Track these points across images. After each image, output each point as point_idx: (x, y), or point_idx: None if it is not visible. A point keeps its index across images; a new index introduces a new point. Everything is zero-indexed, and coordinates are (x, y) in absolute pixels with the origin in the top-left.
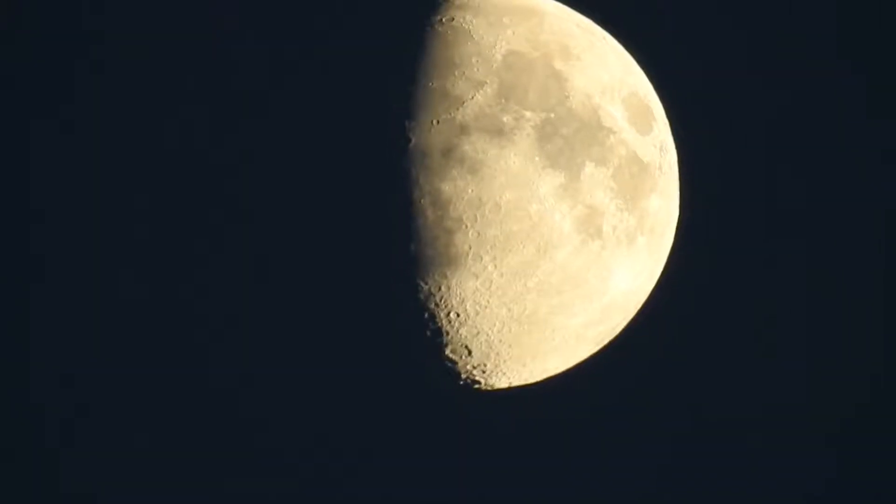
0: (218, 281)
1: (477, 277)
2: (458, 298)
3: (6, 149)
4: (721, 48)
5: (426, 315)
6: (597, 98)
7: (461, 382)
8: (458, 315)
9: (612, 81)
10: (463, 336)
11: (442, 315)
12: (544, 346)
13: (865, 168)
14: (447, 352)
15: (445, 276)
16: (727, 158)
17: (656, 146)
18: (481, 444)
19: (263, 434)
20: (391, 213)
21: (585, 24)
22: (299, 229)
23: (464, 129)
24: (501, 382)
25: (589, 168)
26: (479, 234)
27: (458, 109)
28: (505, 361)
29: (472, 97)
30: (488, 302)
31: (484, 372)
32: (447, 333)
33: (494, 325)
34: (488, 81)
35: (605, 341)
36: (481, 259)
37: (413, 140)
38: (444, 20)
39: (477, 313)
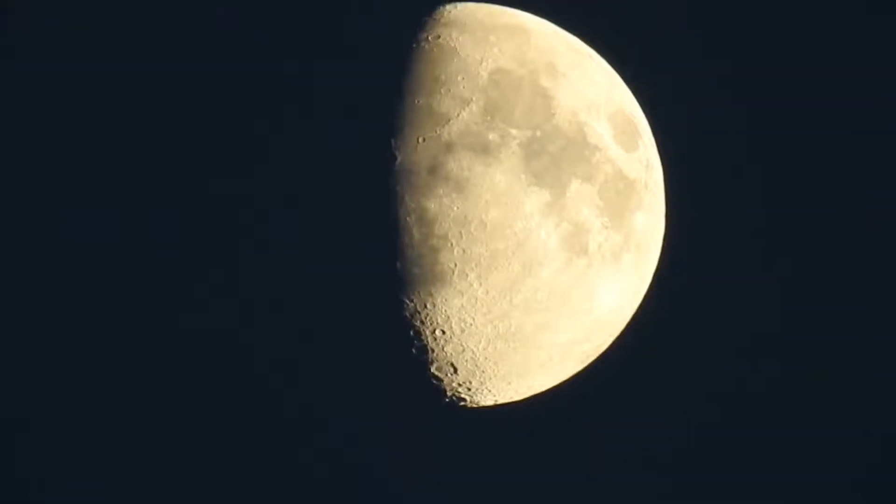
0: (204, 302)
1: (462, 295)
2: (443, 316)
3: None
4: (708, 65)
5: (412, 332)
6: (583, 115)
7: (447, 400)
8: (444, 332)
9: (598, 99)
10: (448, 353)
11: (427, 332)
12: (530, 364)
13: (853, 183)
14: (433, 369)
15: (431, 294)
16: (713, 175)
17: (642, 163)
18: (466, 461)
19: (245, 452)
20: (377, 230)
21: (572, 41)
22: (284, 247)
23: (450, 147)
24: (487, 400)
25: (575, 185)
26: (464, 251)
27: (444, 127)
28: (490, 379)
29: (458, 115)
30: (473, 319)
31: (469, 389)
32: (433, 351)
33: (480, 342)
34: (474, 99)
35: (591, 359)
36: (467, 276)
37: (399, 158)
38: (430, 38)
39: (462, 330)
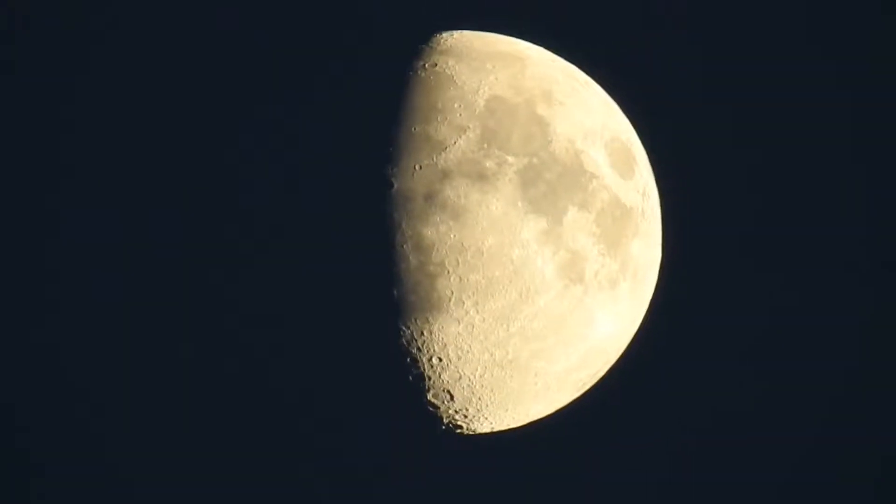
0: (196, 328)
1: (459, 322)
2: (440, 343)
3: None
4: (706, 93)
5: (408, 360)
6: (579, 143)
7: (443, 427)
8: (441, 360)
9: (594, 126)
10: (445, 381)
11: (424, 360)
12: (526, 391)
13: (851, 205)
14: (429, 396)
15: (428, 321)
16: (710, 203)
17: (639, 191)
18: (463, 488)
19: (241, 475)
20: (374, 257)
21: (568, 69)
22: (281, 273)
23: (446, 174)
24: (483, 427)
25: (571, 213)
26: (461, 279)
27: (440, 154)
28: (487, 406)
29: (455, 142)
30: (470, 347)
31: (466, 417)
32: (429, 378)
33: (476, 369)
34: (471, 126)
35: (587, 386)
36: (463, 304)
37: (395, 185)
38: (427, 66)
39: (459, 358)
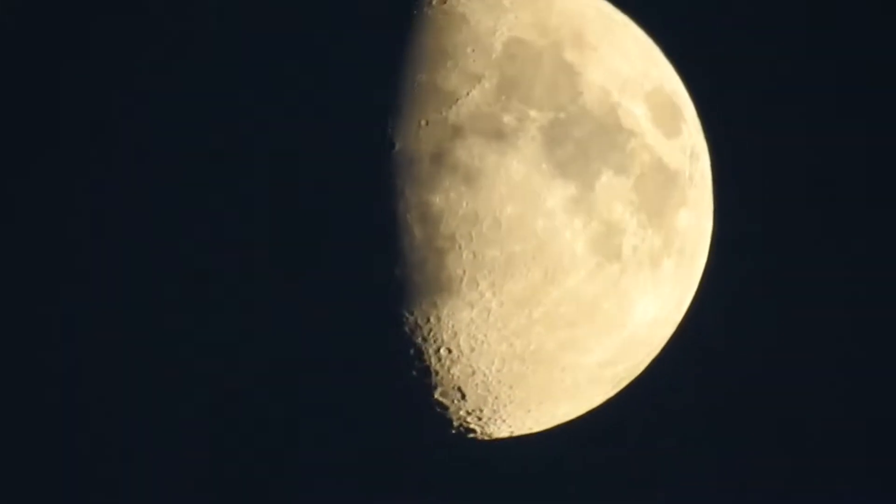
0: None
1: (472, 307)
2: (449, 332)
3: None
4: (764, 36)
5: (412, 351)
6: (615, 95)
7: (453, 431)
8: (450, 351)
9: (633, 75)
10: (455, 376)
11: (431, 351)
12: (552, 389)
13: None
14: (436, 395)
15: (435, 306)
16: (770, 165)
17: (686, 152)
18: (476, 502)
19: (237, 478)
20: (372, 230)
21: (603, 6)
22: (265, 248)
23: (457, 132)
24: (501, 431)
25: (606, 177)
26: (475, 255)
27: (450, 108)
28: (505, 406)
29: (468, 93)
30: (486, 336)
31: (480, 419)
32: (437, 373)
33: (493, 363)
34: (487, 75)
35: (625, 383)
36: (478, 285)
37: (398, 144)
38: (434, 2)
39: (472, 349)
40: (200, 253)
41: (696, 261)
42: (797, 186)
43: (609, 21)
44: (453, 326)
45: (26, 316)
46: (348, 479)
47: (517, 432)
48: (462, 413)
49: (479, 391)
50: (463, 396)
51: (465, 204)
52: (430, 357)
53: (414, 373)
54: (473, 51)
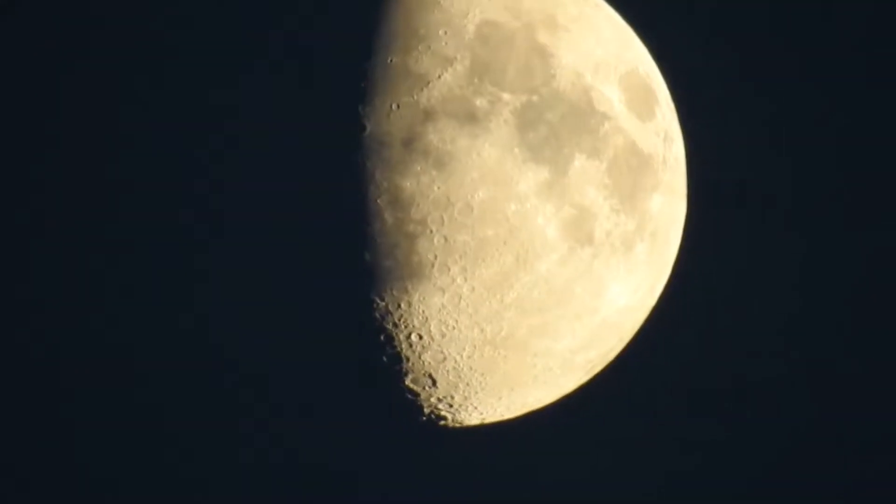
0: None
1: (444, 292)
2: (420, 317)
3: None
4: (738, 18)
5: (383, 337)
6: (589, 77)
7: (424, 418)
8: (421, 337)
9: (606, 57)
10: (426, 362)
11: (402, 337)
12: (524, 375)
13: None
14: (407, 381)
15: (406, 291)
16: (742, 149)
17: (659, 135)
18: (447, 490)
19: (201, 466)
20: (342, 215)
21: None
22: (235, 233)
23: (429, 115)
24: (472, 418)
25: (579, 161)
26: (446, 239)
27: (422, 91)
28: (476, 393)
29: (440, 76)
30: (457, 322)
31: (451, 406)
32: (407, 359)
33: (464, 349)
34: (459, 57)
35: (597, 369)
36: (449, 270)
37: (368, 127)
38: None
39: (443, 335)
40: (169, 240)
41: (669, 245)
42: (771, 169)
43: (582, 3)
44: (424, 312)
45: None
46: (318, 465)
47: (488, 419)
48: (433, 400)
49: (450, 378)
50: (434, 383)
51: (436, 188)
52: (400, 343)
53: (385, 358)
54: (446, 33)
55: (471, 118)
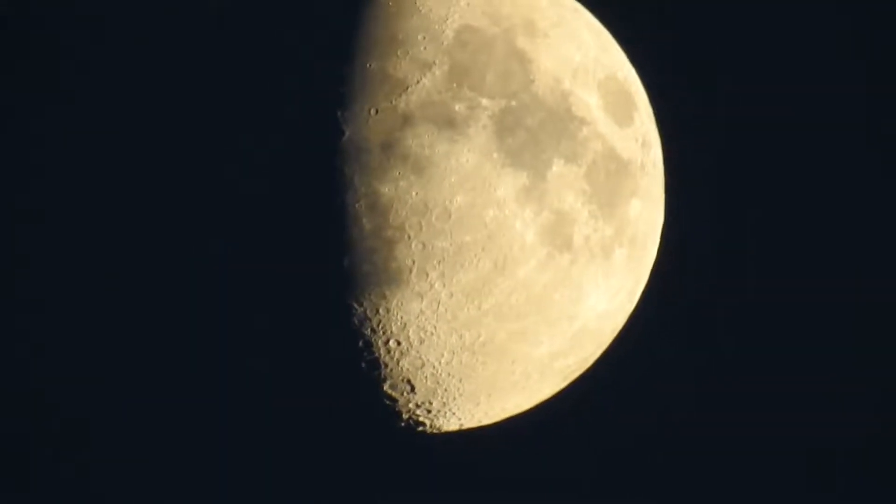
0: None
1: (422, 298)
2: (398, 323)
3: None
4: (717, 24)
5: (361, 343)
6: (567, 83)
7: (402, 424)
8: (399, 343)
9: (585, 62)
10: (404, 368)
11: (380, 343)
12: (502, 381)
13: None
14: (385, 387)
15: (384, 297)
16: (722, 155)
17: (638, 140)
18: (424, 496)
19: (181, 475)
20: (319, 219)
21: None
22: (212, 239)
23: (407, 120)
24: (450, 424)
25: (557, 167)
26: (424, 245)
27: (400, 96)
28: (454, 399)
29: (418, 81)
30: (435, 328)
31: (429, 412)
32: (385, 365)
33: (442, 355)
34: (437, 62)
35: (575, 375)
36: (427, 276)
37: (347, 132)
38: None
39: (421, 341)
40: (146, 245)
41: (647, 250)
42: (750, 175)
43: (560, 8)
44: (402, 318)
45: None
46: (295, 473)
47: (467, 425)
48: (411, 406)
49: (428, 383)
50: (412, 389)
51: (414, 193)
52: (379, 349)
53: (363, 364)
54: (424, 38)
55: (449, 123)
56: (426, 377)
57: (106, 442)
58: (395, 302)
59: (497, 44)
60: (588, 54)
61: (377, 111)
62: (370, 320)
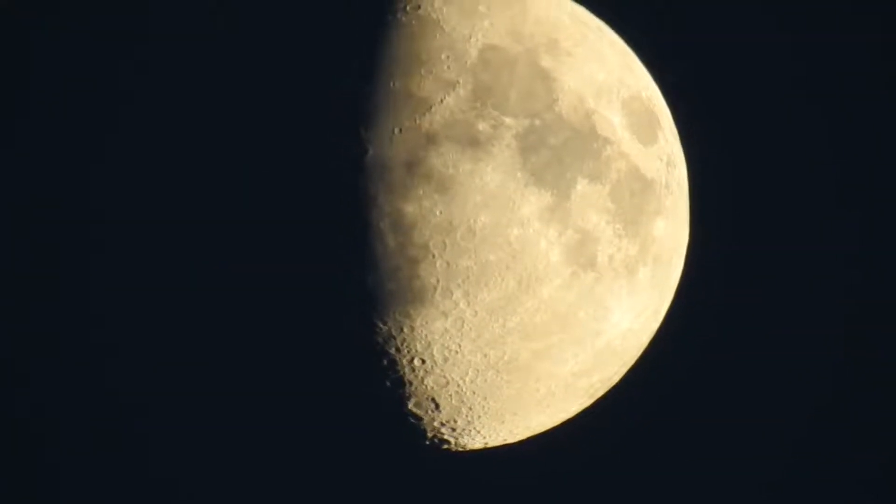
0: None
1: (446, 317)
2: (423, 342)
3: None
4: (742, 42)
5: (385, 362)
6: (591, 102)
7: (427, 442)
8: (424, 362)
9: (609, 81)
10: (429, 387)
11: (404, 362)
12: (526, 400)
13: None
14: (410, 405)
15: (408, 315)
16: (747, 174)
17: (662, 159)
18: None
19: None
20: (344, 238)
21: (578, 12)
22: (235, 257)
23: (431, 139)
24: (475, 442)
25: (581, 186)
26: (448, 264)
27: (424, 115)
28: (479, 417)
29: (442, 100)
30: (459, 346)
31: (454, 430)
32: (410, 384)
33: (467, 373)
34: (461, 81)
35: (600, 393)
36: (451, 294)
37: (371, 151)
38: (408, 8)
39: (446, 359)
40: (171, 262)
41: (672, 269)
42: (774, 194)
43: (584, 27)
44: (427, 336)
45: None
46: (319, 491)
47: (491, 443)
48: (436, 424)
49: (452, 402)
50: (437, 407)
51: (438, 212)
52: (403, 367)
53: (387, 383)
54: (448, 57)
55: (473, 142)
56: (451, 395)
57: (131, 443)
58: (419, 320)
59: (520, 63)
60: (612, 73)
61: (401, 130)
62: (394, 339)
